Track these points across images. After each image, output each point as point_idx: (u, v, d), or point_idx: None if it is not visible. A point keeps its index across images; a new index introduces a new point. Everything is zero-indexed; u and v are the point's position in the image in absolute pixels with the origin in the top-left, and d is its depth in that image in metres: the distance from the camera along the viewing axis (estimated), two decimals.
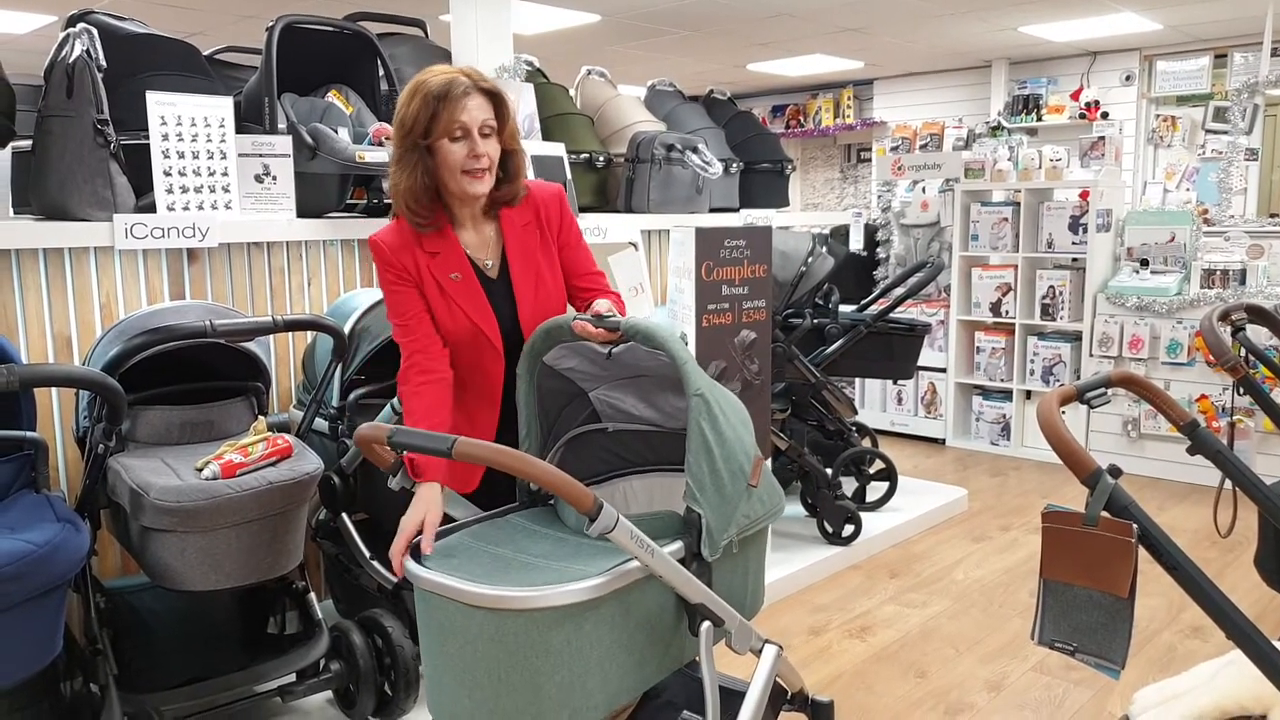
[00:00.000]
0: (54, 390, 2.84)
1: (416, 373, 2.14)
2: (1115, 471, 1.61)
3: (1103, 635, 1.58)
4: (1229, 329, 2.49)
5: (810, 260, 4.32)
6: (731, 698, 2.07)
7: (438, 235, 2.12)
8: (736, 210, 4.70)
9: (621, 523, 1.80)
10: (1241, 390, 2.46)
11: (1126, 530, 1.55)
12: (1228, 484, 2.07)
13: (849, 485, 4.58)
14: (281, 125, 3.12)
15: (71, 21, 2.91)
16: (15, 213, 3.25)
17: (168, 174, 2.83)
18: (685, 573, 1.96)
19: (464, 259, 2.13)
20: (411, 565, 1.86)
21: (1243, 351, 2.58)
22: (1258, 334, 3.27)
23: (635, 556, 1.84)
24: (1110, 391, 1.90)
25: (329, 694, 2.87)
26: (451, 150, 2.02)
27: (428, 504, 1.95)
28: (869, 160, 8.90)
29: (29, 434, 2.31)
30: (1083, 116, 7.35)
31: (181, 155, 2.85)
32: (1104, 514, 1.58)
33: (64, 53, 2.75)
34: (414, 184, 2.05)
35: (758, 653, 2.16)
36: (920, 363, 5.11)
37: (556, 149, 3.81)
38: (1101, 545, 1.57)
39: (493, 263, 2.16)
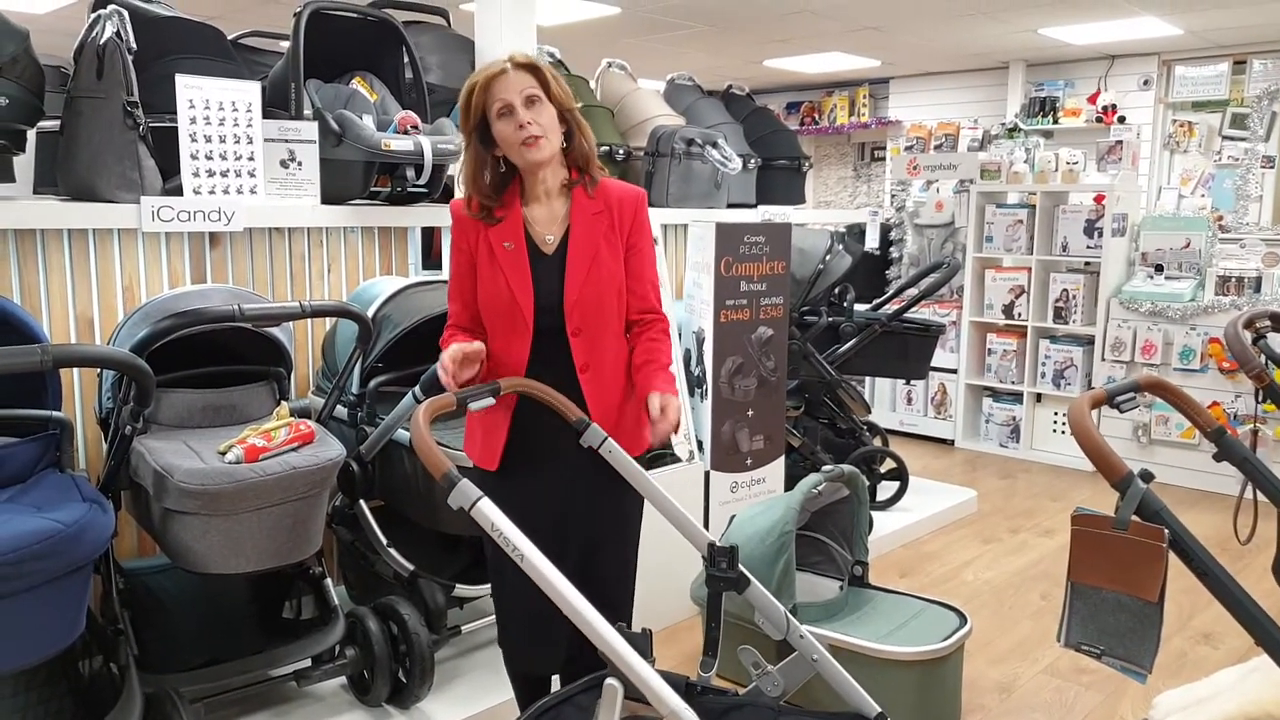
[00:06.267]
0: (75, 370, 2.85)
1: (457, 332, 2.24)
2: (1147, 476, 1.61)
3: (1131, 639, 1.58)
4: (1251, 335, 2.49)
5: (828, 258, 4.32)
6: None
7: (505, 209, 2.20)
8: (754, 206, 4.69)
9: (484, 504, 1.67)
10: (1263, 397, 2.46)
11: (1157, 535, 1.55)
12: (1248, 491, 2.08)
13: None
14: (307, 111, 3.12)
15: (101, 3, 2.90)
16: (35, 193, 3.25)
17: (194, 157, 2.83)
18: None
19: (521, 232, 2.18)
20: None
21: (1264, 358, 2.58)
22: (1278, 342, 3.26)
23: (502, 547, 1.68)
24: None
25: (344, 679, 2.88)
26: (503, 127, 2.09)
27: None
28: (883, 159, 8.88)
29: (55, 413, 2.32)
30: (1099, 120, 7.32)
31: (209, 139, 2.85)
32: (1134, 518, 1.59)
33: (94, 34, 2.75)
34: (475, 170, 2.16)
35: None
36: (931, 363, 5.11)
37: None
38: (1131, 549, 1.57)
39: (553, 239, 2.19)
